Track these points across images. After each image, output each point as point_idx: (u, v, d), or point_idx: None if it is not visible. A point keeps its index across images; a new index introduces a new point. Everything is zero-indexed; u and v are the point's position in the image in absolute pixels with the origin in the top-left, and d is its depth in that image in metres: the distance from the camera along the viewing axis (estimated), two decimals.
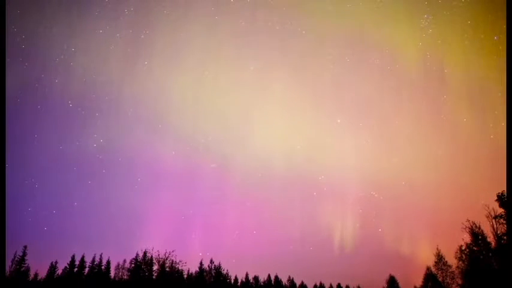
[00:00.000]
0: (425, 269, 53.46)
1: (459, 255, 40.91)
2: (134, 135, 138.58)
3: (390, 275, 70.46)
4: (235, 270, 75.58)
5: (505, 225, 34.42)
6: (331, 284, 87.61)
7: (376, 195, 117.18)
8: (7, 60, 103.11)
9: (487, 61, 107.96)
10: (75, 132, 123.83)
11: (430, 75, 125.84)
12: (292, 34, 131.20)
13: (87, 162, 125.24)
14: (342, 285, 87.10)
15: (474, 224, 38.95)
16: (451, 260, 45.84)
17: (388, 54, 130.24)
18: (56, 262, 59.00)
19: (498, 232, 35.37)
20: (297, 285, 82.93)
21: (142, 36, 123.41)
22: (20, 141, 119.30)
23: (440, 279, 47.18)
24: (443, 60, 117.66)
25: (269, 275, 79.91)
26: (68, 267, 58.02)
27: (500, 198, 34.68)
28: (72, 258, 58.56)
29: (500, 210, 34.99)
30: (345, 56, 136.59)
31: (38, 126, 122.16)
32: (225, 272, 69.63)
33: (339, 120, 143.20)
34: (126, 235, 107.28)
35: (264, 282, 78.51)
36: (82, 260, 59.02)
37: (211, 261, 68.33)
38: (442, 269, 47.65)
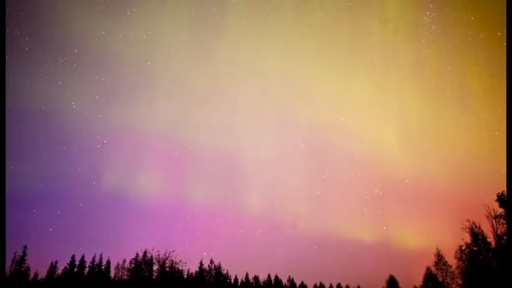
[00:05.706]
0: (425, 269, 53.11)
1: (459, 255, 40.75)
2: (136, 135, 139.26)
3: (390, 275, 70.23)
4: (235, 270, 75.67)
5: (505, 225, 34.13)
6: (331, 284, 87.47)
7: (380, 193, 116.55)
8: (11, 62, 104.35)
9: (490, 57, 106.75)
10: (79, 133, 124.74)
11: (432, 72, 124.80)
12: (293, 34, 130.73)
13: (91, 163, 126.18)
14: (342, 285, 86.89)
15: (474, 224, 38.78)
16: (451, 260, 45.68)
17: (390, 51, 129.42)
18: (56, 262, 59.06)
19: (498, 232, 35.12)
20: (297, 285, 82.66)
21: (144, 37, 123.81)
22: (25, 143, 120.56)
23: (440, 279, 46.90)
24: (446, 58, 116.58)
25: (269, 275, 79.94)
26: (68, 267, 58.17)
27: (500, 198, 34.40)
28: (72, 258, 58.62)
29: (500, 210, 34.83)
30: (348, 54, 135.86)
31: (42, 128, 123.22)
32: (225, 272, 69.60)
33: (342, 119, 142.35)
34: (126, 235, 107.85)
35: (264, 282, 78.36)
36: (82, 260, 59.12)
37: (211, 261, 68.32)
38: (442, 269, 47.39)
